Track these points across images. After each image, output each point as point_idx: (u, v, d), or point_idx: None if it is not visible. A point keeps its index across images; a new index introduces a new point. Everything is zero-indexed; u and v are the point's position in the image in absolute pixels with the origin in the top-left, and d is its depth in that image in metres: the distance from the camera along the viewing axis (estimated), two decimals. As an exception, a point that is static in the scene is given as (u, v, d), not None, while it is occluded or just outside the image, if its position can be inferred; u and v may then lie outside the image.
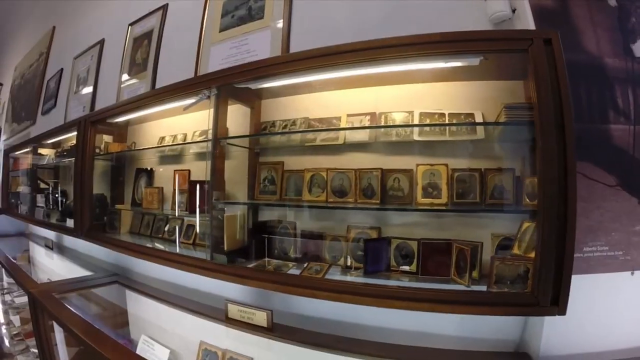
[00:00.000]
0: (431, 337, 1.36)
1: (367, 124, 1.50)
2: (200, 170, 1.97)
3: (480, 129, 1.39)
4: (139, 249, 1.85)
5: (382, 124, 1.47)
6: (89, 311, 2.41)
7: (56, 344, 2.17)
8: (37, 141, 3.28)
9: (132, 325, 2.35)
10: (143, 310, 2.24)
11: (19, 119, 4.34)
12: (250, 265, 1.54)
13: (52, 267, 3.40)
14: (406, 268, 1.41)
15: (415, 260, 1.40)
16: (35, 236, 3.94)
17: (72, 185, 2.37)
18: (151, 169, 2.21)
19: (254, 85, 1.55)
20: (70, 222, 2.69)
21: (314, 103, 1.65)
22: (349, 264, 1.48)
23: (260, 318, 1.57)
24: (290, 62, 1.37)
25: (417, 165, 1.40)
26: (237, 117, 1.74)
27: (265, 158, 1.76)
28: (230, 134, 1.64)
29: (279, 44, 1.82)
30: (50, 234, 3.40)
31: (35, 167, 3.34)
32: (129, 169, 2.40)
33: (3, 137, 5.00)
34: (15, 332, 3.12)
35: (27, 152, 3.77)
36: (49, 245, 3.27)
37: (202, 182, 1.80)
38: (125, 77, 2.61)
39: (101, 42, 3.01)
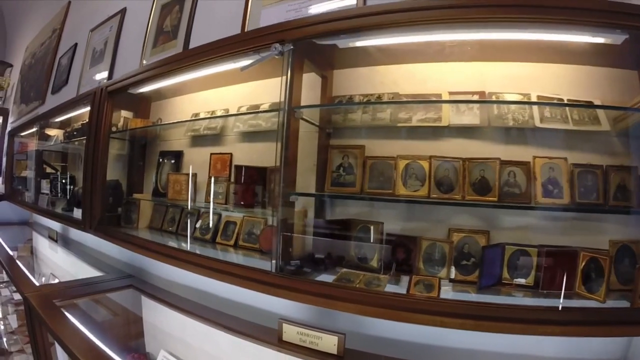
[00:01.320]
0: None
1: (475, 105, 1.16)
2: (245, 154, 1.52)
3: (604, 120, 1.12)
4: (164, 251, 1.38)
5: (495, 107, 1.14)
6: (96, 316, 1.93)
7: (54, 343, 1.70)
8: (44, 119, 2.79)
9: (149, 337, 1.87)
10: (163, 321, 1.77)
11: (28, 99, 3.84)
12: (322, 279, 1.10)
13: (55, 260, 2.91)
14: (522, 281, 1.12)
15: (532, 272, 1.10)
16: (39, 226, 3.45)
17: (82, 170, 1.90)
18: (180, 151, 1.74)
19: (342, 43, 1.10)
20: (78, 213, 2.22)
21: (403, 76, 1.26)
22: (452, 276, 1.13)
23: (328, 343, 1.13)
24: (396, 12, 0.96)
25: (534, 157, 1.11)
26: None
27: (339, 140, 1.32)
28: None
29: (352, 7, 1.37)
30: (55, 225, 2.91)
31: (41, 149, 2.85)
32: (151, 152, 1.93)
33: (10, 120, 4.49)
34: (11, 331, 2.61)
35: (32, 133, 3.29)
36: (53, 237, 2.78)
37: (250, 168, 1.35)
38: (150, 46, 2.14)
39: (122, 12, 2.53)
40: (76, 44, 3.11)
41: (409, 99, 1.21)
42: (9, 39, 5.54)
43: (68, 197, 2.63)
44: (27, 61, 4.25)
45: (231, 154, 1.56)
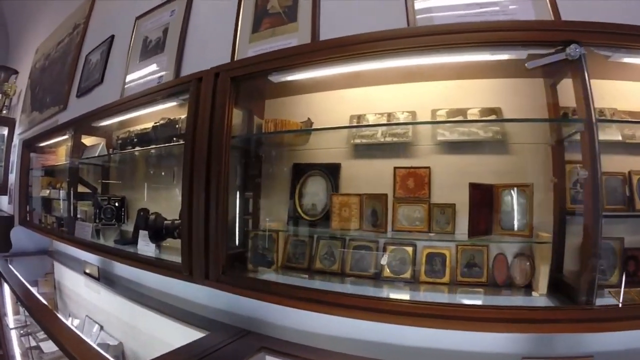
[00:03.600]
0: None
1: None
2: (448, 169, 1.11)
3: None
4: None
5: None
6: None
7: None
8: (83, 123, 2.12)
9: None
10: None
11: (42, 106, 3.10)
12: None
13: (96, 303, 2.23)
14: None
15: None
16: (63, 255, 2.72)
17: (182, 193, 1.31)
18: (337, 164, 1.19)
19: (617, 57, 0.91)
20: (147, 248, 1.60)
21: (617, 92, 1.11)
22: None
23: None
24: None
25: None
26: (512, 95, 1.10)
27: (570, 155, 1.09)
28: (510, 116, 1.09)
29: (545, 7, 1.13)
30: (90, 257, 2.22)
31: (76, 163, 2.18)
32: (273, 164, 1.38)
33: (18, 130, 3.67)
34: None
35: (53, 145, 2.58)
36: (94, 274, 2.11)
37: (481, 187, 0.89)
38: (248, 31, 1.60)
39: (189, -7, 1.96)
40: (113, 36, 2.48)
41: (625, 115, 1.09)
42: (11, 45, 4.71)
43: (115, 222, 2.00)
44: (38, 64, 3.49)
45: (429, 168, 1.07)
